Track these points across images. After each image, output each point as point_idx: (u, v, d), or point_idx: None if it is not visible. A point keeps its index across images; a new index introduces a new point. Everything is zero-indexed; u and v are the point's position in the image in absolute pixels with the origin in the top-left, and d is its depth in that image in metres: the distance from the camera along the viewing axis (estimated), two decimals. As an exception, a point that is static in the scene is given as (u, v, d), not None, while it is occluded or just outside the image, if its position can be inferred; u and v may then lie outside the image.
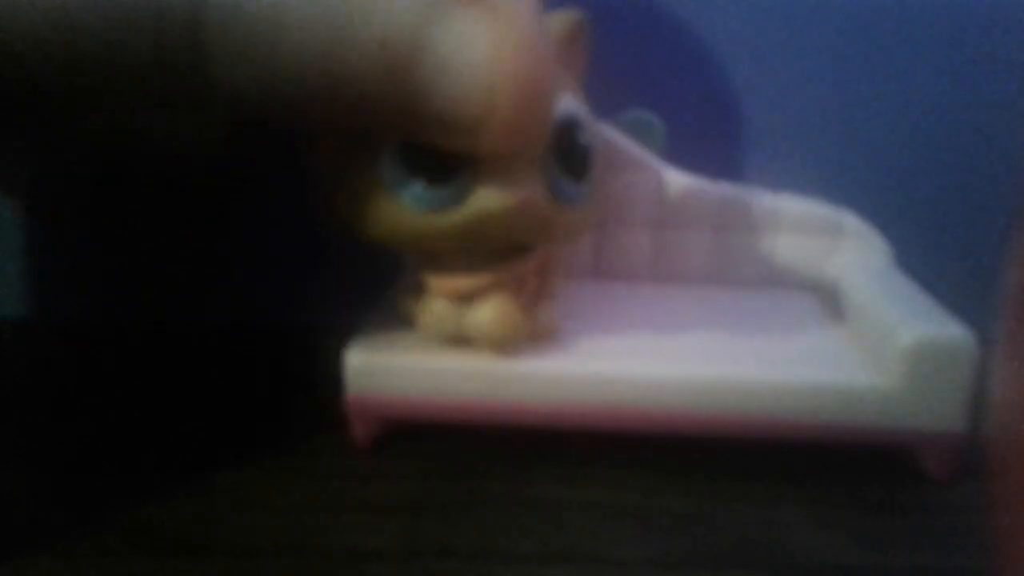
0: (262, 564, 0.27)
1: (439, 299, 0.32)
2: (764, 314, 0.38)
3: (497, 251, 0.31)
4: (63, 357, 0.43)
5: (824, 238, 0.41)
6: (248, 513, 0.29)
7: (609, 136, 0.40)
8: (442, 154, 0.28)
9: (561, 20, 0.31)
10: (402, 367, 0.32)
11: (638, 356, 0.32)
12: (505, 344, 0.32)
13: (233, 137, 0.38)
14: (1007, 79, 0.41)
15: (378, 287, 0.39)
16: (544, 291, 0.34)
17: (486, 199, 0.28)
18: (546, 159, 0.29)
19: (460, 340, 0.32)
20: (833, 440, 0.32)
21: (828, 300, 0.40)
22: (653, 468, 0.32)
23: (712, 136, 0.43)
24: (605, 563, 0.27)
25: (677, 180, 0.41)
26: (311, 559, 0.27)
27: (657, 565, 0.27)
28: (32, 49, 0.22)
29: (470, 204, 0.28)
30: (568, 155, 0.30)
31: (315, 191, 0.30)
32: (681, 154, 0.42)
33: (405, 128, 0.27)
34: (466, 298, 0.32)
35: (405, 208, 0.29)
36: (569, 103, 0.30)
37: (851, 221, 0.41)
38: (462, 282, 0.31)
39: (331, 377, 0.33)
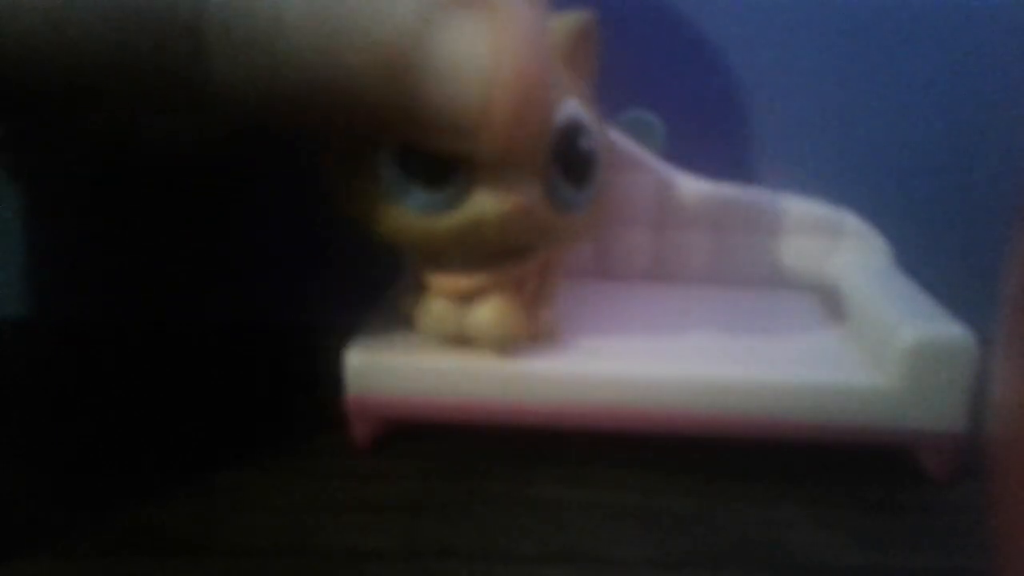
0: (262, 564, 0.27)
1: (439, 299, 0.32)
2: (764, 314, 0.38)
3: (497, 252, 0.31)
4: (63, 357, 0.43)
5: (824, 238, 0.41)
6: (248, 513, 0.29)
7: (609, 136, 0.40)
8: (440, 158, 0.28)
9: (569, 21, 0.30)
10: (402, 367, 0.32)
11: (638, 356, 0.33)
12: (506, 344, 0.32)
13: (233, 137, 0.38)
14: (1007, 79, 0.41)
15: (378, 287, 0.39)
16: (545, 291, 0.34)
17: (482, 204, 0.28)
18: (545, 164, 0.29)
19: (460, 340, 0.32)
20: (833, 440, 0.32)
21: (828, 300, 0.40)
22: (653, 468, 0.32)
23: (712, 136, 0.43)
24: (605, 563, 0.27)
25: (677, 180, 0.41)
26: (311, 559, 0.27)
27: (657, 565, 0.27)
28: (34, 50, 0.23)
29: (466, 209, 0.28)
30: (569, 160, 0.29)
31: (326, 191, 0.30)
32: (681, 154, 0.42)
33: (403, 131, 0.27)
34: (466, 298, 0.32)
35: (404, 211, 0.29)
36: (572, 107, 0.30)
37: (851, 221, 0.41)
38: (462, 282, 0.31)
39: (331, 377, 0.33)
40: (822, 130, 0.43)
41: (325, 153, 0.30)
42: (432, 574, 0.26)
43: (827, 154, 0.44)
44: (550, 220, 0.29)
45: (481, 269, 0.31)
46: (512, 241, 0.30)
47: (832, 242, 0.41)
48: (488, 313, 0.31)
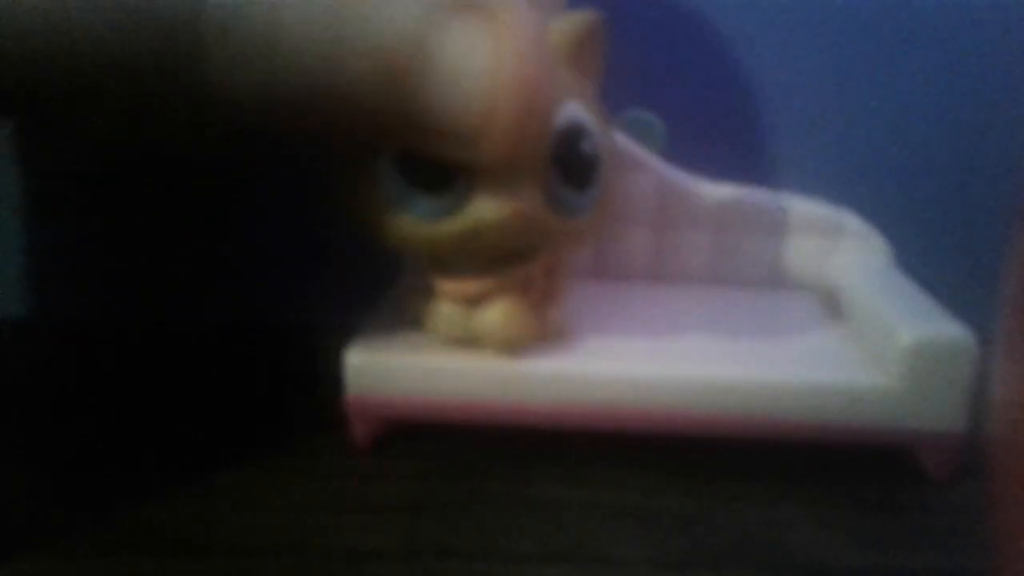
0: (262, 564, 0.27)
1: (447, 302, 0.32)
2: (764, 314, 0.38)
3: (500, 256, 0.31)
4: (63, 357, 0.43)
5: (824, 238, 0.41)
6: (248, 513, 0.29)
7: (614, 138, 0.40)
8: (440, 164, 0.28)
9: (575, 21, 0.29)
10: (402, 367, 0.32)
11: (638, 356, 0.32)
12: (514, 345, 0.32)
13: (233, 137, 0.38)
14: (1007, 79, 0.41)
15: (378, 287, 0.39)
16: (552, 292, 0.34)
17: (482, 209, 0.28)
18: (545, 169, 0.29)
19: (470, 343, 0.32)
20: (833, 440, 0.32)
21: (828, 300, 0.40)
22: (653, 468, 0.32)
23: (712, 136, 0.43)
24: (605, 563, 0.27)
25: (677, 180, 0.41)
26: (311, 559, 0.27)
27: (657, 565, 0.27)
28: (34, 50, 0.23)
29: (467, 214, 0.28)
30: (570, 164, 0.29)
31: (332, 197, 0.30)
32: (681, 154, 0.42)
33: (403, 137, 0.27)
34: (474, 301, 0.32)
35: (407, 217, 0.29)
36: (574, 110, 0.29)
37: (851, 221, 0.41)
38: (469, 286, 0.31)
39: (331, 377, 0.33)
40: (822, 130, 0.43)
41: (328, 160, 0.30)
42: (432, 574, 0.26)
43: (827, 154, 0.44)
44: (551, 224, 0.29)
45: (486, 273, 0.31)
46: (513, 245, 0.30)
47: (832, 242, 0.41)
48: (496, 315, 0.31)
